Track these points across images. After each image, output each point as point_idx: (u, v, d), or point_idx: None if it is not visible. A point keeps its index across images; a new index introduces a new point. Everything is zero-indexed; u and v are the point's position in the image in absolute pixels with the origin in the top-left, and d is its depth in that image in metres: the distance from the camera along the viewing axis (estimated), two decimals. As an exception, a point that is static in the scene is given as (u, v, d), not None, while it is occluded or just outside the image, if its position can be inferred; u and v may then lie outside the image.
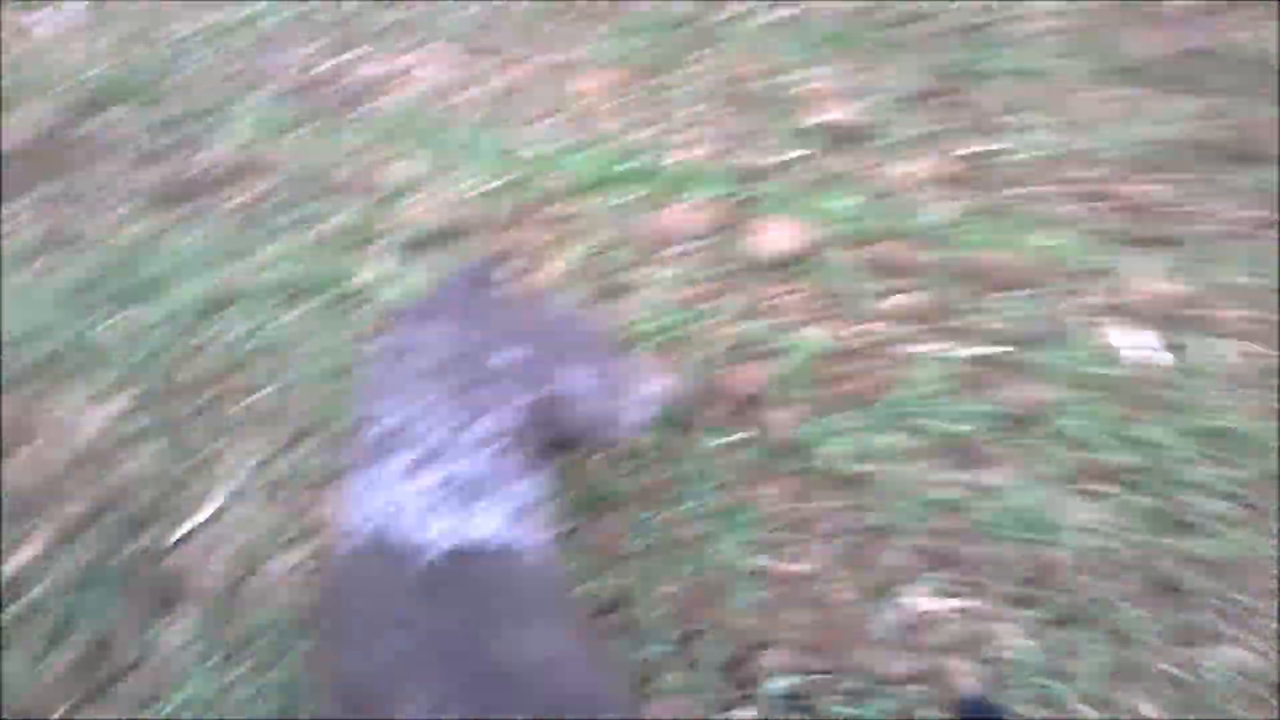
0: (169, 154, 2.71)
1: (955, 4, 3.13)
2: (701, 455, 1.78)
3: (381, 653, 1.05)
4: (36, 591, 1.57)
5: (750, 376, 1.90)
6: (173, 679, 1.47)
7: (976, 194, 2.33)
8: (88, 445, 1.76)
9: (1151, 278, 2.11)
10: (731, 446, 1.82)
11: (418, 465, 1.15)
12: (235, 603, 1.57)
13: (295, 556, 1.64)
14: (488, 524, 1.12)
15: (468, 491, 1.14)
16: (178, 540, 1.64)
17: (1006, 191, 2.34)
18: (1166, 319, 2.05)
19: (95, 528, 1.64)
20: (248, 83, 3.14)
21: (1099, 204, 2.31)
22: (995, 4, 3.07)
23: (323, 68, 3.19)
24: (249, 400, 1.84)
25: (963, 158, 2.41)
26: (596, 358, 1.41)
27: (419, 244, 2.21)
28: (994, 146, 2.44)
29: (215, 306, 2.00)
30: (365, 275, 2.09)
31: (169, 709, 1.43)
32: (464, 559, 1.10)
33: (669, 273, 2.09)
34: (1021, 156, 2.43)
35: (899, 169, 2.36)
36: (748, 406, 1.87)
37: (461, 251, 2.13)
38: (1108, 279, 2.12)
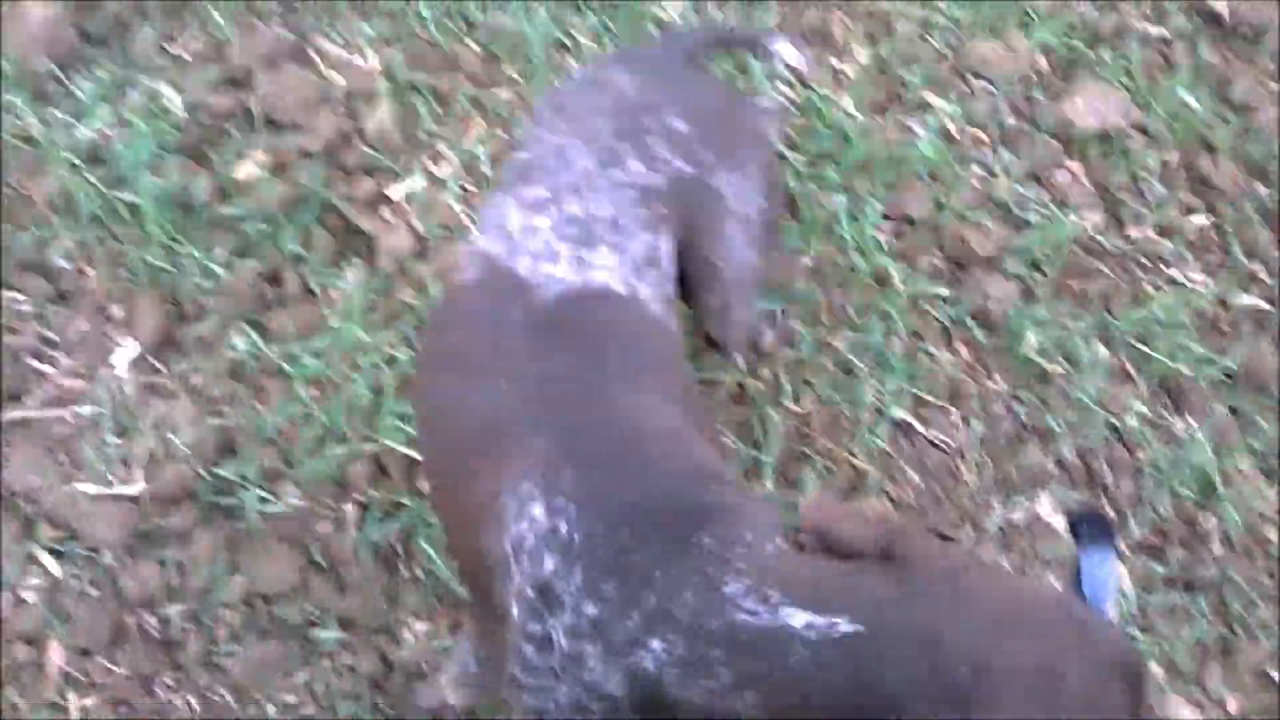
0: None
1: None
2: (899, 295, 2.11)
3: (481, 395, 1.23)
4: (239, 207, 2.16)
5: (991, 236, 2.17)
6: (322, 323, 2.04)
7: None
8: (339, 88, 2.31)
9: None
10: (933, 299, 2.14)
11: (552, 198, 1.34)
12: (406, 277, 2.11)
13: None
14: (608, 268, 1.31)
15: (595, 232, 1.32)
16: (387, 198, 2.18)
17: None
18: None
19: (317, 163, 2.20)
20: None
21: None
22: None
23: None
24: (508, 98, 2.32)
25: None
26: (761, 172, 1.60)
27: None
28: None
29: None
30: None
31: (311, 347, 2.01)
32: (581, 301, 1.28)
33: (956, 107, 2.34)
34: None
35: (1274, 83, 2.44)
36: (976, 266, 2.16)
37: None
38: None
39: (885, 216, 2.21)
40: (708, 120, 1.49)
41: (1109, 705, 0.94)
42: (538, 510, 1.10)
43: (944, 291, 2.15)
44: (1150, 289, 2.19)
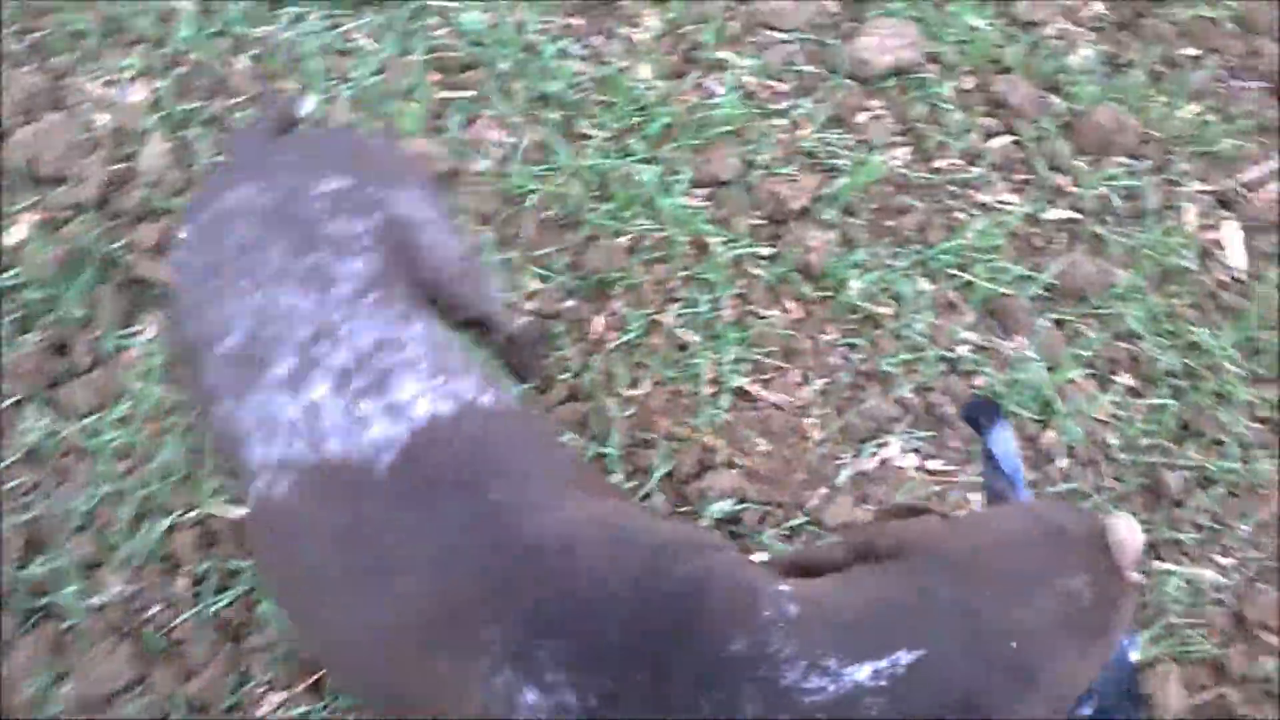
0: None
1: None
2: (720, 261, 2.03)
3: (385, 605, 1.06)
4: (13, 275, 1.94)
5: (802, 187, 2.10)
6: (120, 389, 1.86)
7: (1134, 46, 2.38)
8: (104, 129, 2.10)
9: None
10: (755, 259, 2.06)
11: (303, 363, 1.14)
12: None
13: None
14: (417, 392, 1.14)
15: (376, 367, 1.15)
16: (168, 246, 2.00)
17: (1168, 51, 2.38)
18: (1275, 226, 2.18)
19: (90, 216, 2.01)
20: None
21: (1262, 85, 2.37)
22: None
23: None
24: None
25: (1134, 5, 2.45)
26: (421, 181, 1.47)
27: None
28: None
29: (279, 1, 2.25)
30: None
31: (110, 417, 1.83)
32: (420, 450, 1.11)
33: (752, 61, 2.26)
34: (1196, 12, 2.45)
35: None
36: (792, 219, 2.09)
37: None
38: (1235, 168, 2.23)
39: (696, 183, 2.13)
40: (351, 160, 1.36)
41: (1112, 583, 1.01)
42: (532, 697, 0.98)
43: (764, 251, 2.08)
44: (963, 216, 2.16)
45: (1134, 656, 1.27)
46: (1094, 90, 2.29)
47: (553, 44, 2.22)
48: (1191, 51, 2.39)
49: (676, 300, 2.03)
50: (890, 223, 2.13)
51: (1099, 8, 2.41)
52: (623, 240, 2.06)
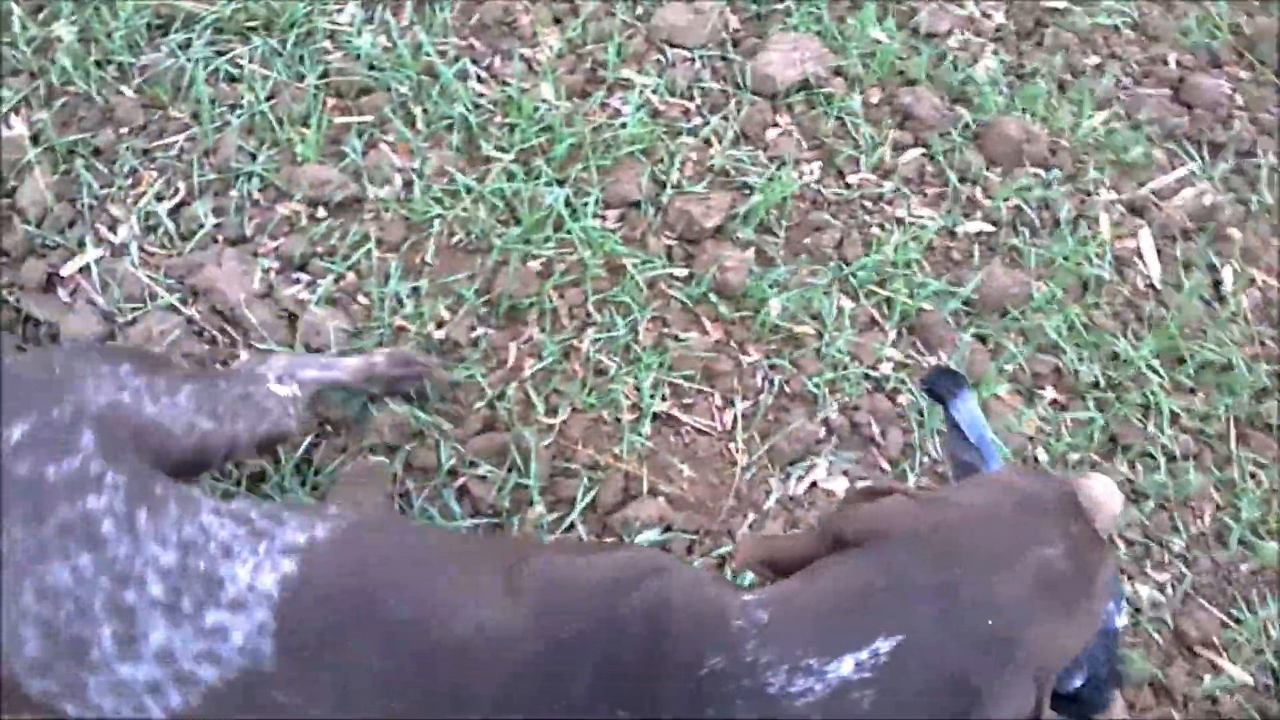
0: None
1: None
2: (635, 283, 1.90)
3: None
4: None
5: (714, 205, 1.99)
6: None
7: (1037, 56, 2.33)
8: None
9: (1191, 186, 2.18)
10: (671, 280, 1.94)
11: (122, 623, 1.00)
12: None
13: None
14: (250, 573, 1.03)
15: (196, 578, 1.02)
16: (61, 278, 1.82)
17: (1071, 60, 2.34)
18: (1188, 234, 2.13)
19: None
20: None
21: (1164, 93, 2.33)
22: None
23: None
24: (180, 143, 1.96)
25: (1034, 14, 2.40)
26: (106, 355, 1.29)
27: None
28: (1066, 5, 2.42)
29: (163, 28, 2.08)
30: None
31: None
32: (290, 612, 1.01)
33: (656, 80, 2.15)
34: (1096, 21, 2.41)
35: (957, 8, 2.36)
36: (707, 239, 1.97)
37: None
38: (1145, 176, 2.18)
39: (606, 204, 2.00)
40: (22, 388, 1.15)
41: (1090, 548, 0.98)
42: None
43: (679, 271, 1.97)
44: (879, 232, 2.08)
45: (1119, 622, 1.21)
46: (1000, 100, 2.23)
47: (451, 66, 2.08)
48: (1093, 60, 2.34)
49: (592, 324, 1.91)
50: (807, 240, 2.04)
51: (999, 18, 2.36)
52: (534, 264, 1.94)
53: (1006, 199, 2.12)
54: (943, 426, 1.23)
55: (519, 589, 1.04)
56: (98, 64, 2.04)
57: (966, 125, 2.19)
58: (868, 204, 2.10)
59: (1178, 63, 2.36)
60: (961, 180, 2.14)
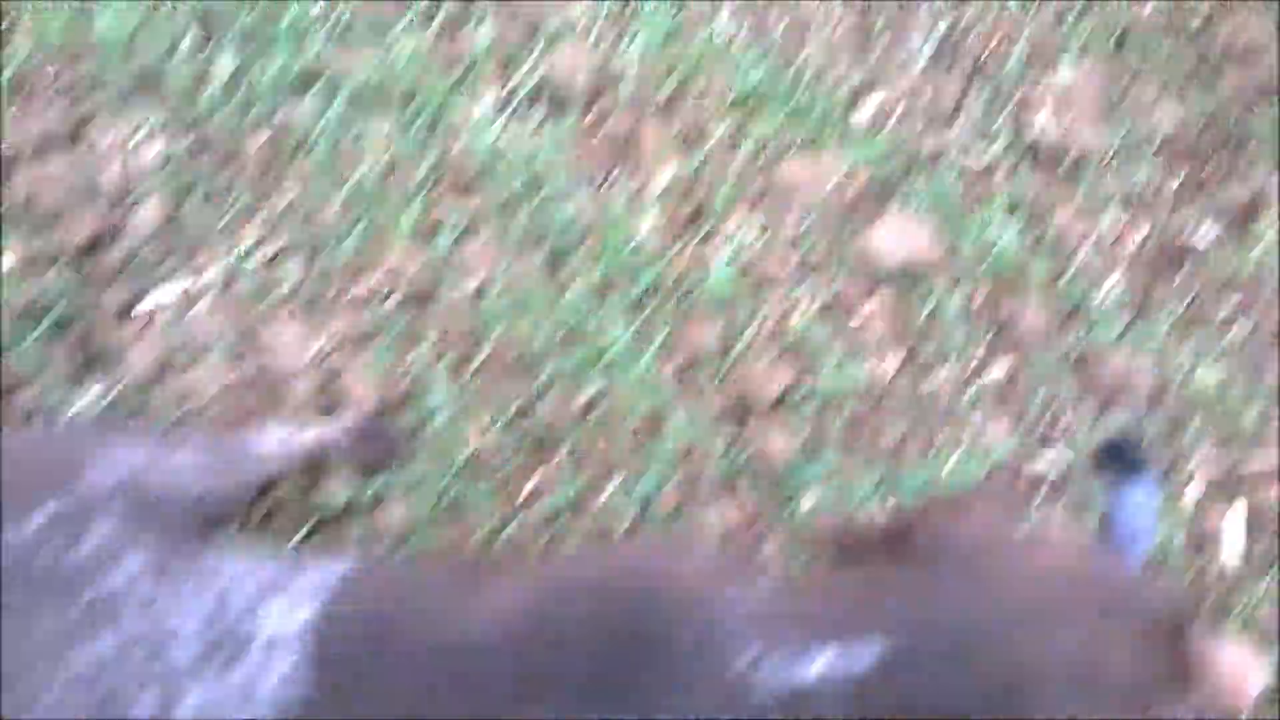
0: None
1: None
2: (674, 441, 1.75)
3: None
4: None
5: (778, 378, 1.83)
6: None
7: (1167, 291, 2.04)
8: (109, 181, 1.90)
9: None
10: (710, 447, 1.78)
11: (163, 688, 0.97)
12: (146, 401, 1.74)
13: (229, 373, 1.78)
14: (279, 620, 1.01)
15: (224, 635, 0.99)
16: (133, 310, 1.79)
17: (1203, 305, 2.04)
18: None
19: (68, 266, 1.82)
20: None
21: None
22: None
23: None
24: (290, 200, 1.92)
25: (1177, 246, 2.10)
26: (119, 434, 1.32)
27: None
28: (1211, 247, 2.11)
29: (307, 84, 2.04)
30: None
31: None
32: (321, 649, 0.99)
33: (758, 232, 1.97)
34: (1240, 269, 2.09)
35: (1092, 221, 2.08)
36: (760, 410, 1.81)
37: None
38: (1249, 451, 1.88)
39: (669, 352, 1.85)
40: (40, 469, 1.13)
41: (1155, 672, 0.84)
42: None
43: (722, 441, 1.79)
44: (942, 443, 1.84)
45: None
46: (1115, 329, 1.95)
47: (558, 177, 1.96)
48: (1227, 309, 2.02)
49: (617, 474, 1.75)
50: (864, 435, 1.83)
51: (1133, 243, 2.06)
52: (581, 397, 1.80)
53: (1091, 440, 1.85)
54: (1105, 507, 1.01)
55: (521, 598, 1.00)
56: (241, 106, 2.02)
57: (1070, 347, 1.93)
58: (939, 411, 1.87)
59: (1326, 329, 2.03)
60: (1046, 407, 1.88)
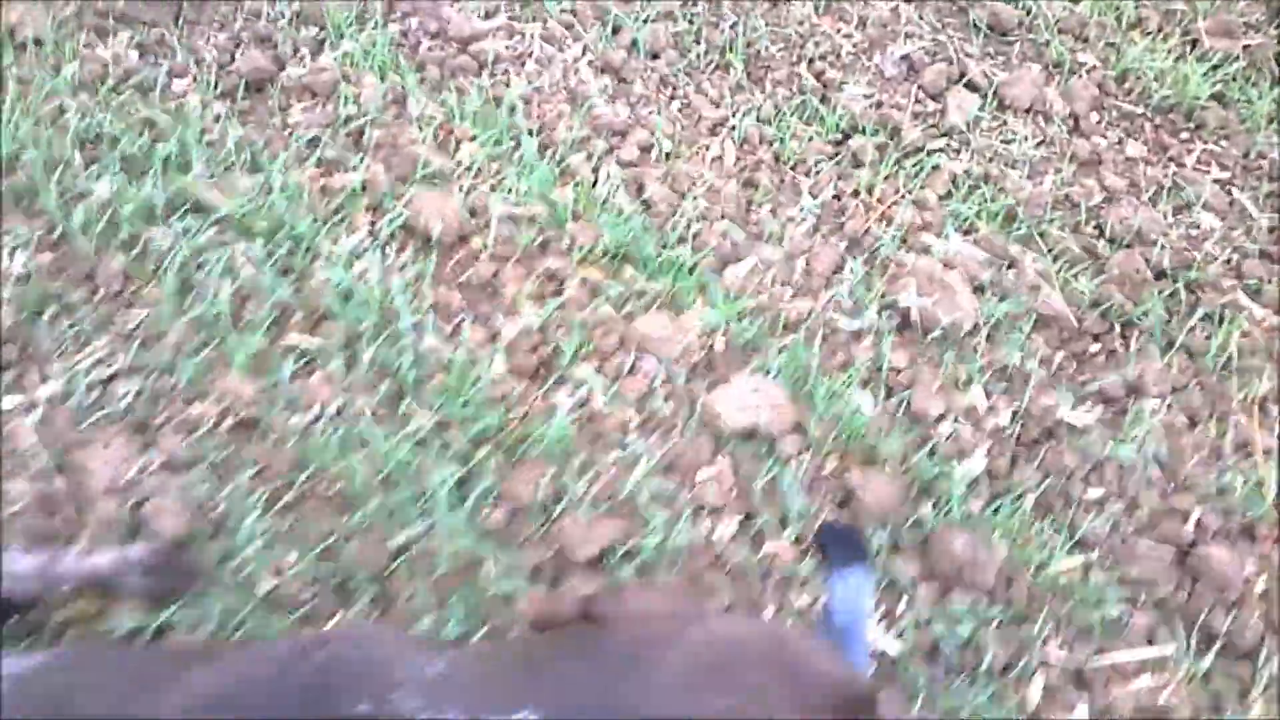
0: None
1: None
2: (485, 591, 1.75)
3: None
4: None
5: (599, 534, 1.83)
6: None
7: (1032, 471, 2.06)
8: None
9: (1157, 673, 1.83)
10: (527, 600, 1.78)
11: None
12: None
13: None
14: None
15: None
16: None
17: (1070, 487, 2.06)
18: None
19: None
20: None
21: (1167, 552, 1.99)
22: None
23: None
24: (140, 321, 2.00)
25: (1046, 423, 2.14)
26: None
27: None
28: (1089, 426, 2.14)
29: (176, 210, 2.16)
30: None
31: None
32: None
33: (608, 383, 2.03)
34: (1114, 452, 2.11)
35: (959, 394, 2.12)
36: (577, 567, 1.81)
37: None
38: (1107, 643, 1.85)
39: (495, 499, 1.87)
40: None
41: None
42: None
43: (538, 591, 1.79)
44: (772, 610, 1.82)
45: None
46: (970, 510, 1.95)
47: (414, 315, 2.04)
48: (1096, 493, 2.03)
49: (420, 622, 1.75)
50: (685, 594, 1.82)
51: (1003, 418, 2.09)
52: (397, 540, 1.81)
53: (928, 623, 1.83)
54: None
55: (208, 679, 1.03)
56: (107, 226, 2.12)
57: (918, 524, 1.93)
58: (773, 578, 1.86)
59: (1198, 524, 2.01)
60: (889, 586, 1.87)
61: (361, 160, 2.26)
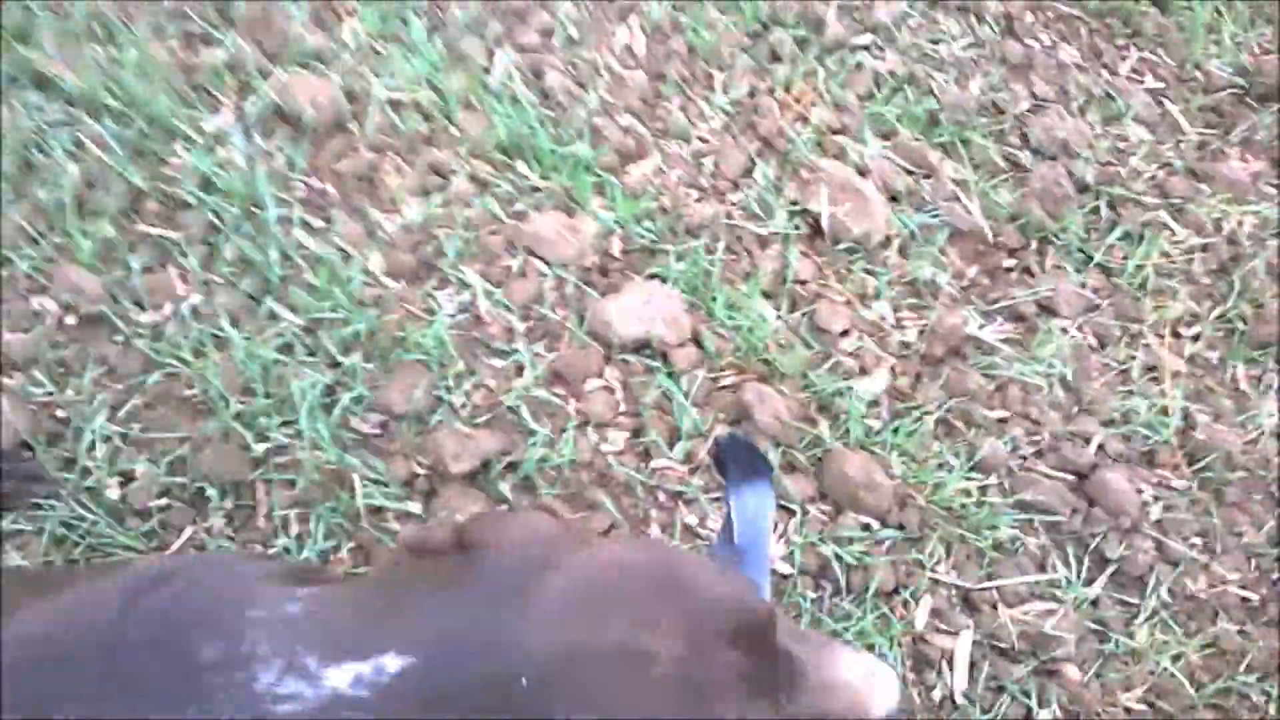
0: None
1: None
2: (353, 505, 1.73)
3: None
4: None
5: (480, 446, 1.81)
6: None
7: (935, 390, 2.07)
8: None
9: (1047, 601, 1.88)
10: (398, 514, 1.76)
11: None
12: None
13: None
14: None
15: None
16: None
17: (972, 408, 2.08)
18: (1015, 655, 1.84)
19: None
20: None
21: (1066, 478, 2.03)
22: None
23: None
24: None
25: (953, 343, 2.15)
26: None
27: None
28: (997, 345, 2.15)
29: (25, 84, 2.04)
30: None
31: None
32: None
33: (494, 287, 1.98)
34: (1021, 373, 2.13)
35: (865, 309, 2.12)
36: (455, 481, 1.80)
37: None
38: (997, 570, 1.89)
39: (368, 407, 1.83)
40: None
41: (720, 668, 0.82)
42: None
43: (413, 507, 1.77)
44: (658, 529, 1.83)
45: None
46: (869, 428, 1.97)
47: (280, 207, 1.97)
48: (998, 413, 2.05)
49: (284, 534, 1.73)
50: (568, 514, 1.81)
51: (910, 334, 2.09)
52: (258, 449, 1.77)
53: (814, 544, 1.85)
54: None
55: (57, 602, 0.99)
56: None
57: (814, 444, 1.94)
58: (659, 496, 1.87)
59: (1100, 447, 2.05)
60: (779, 507, 1.89)
61: (229, 34, 2.15)
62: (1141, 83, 2.60)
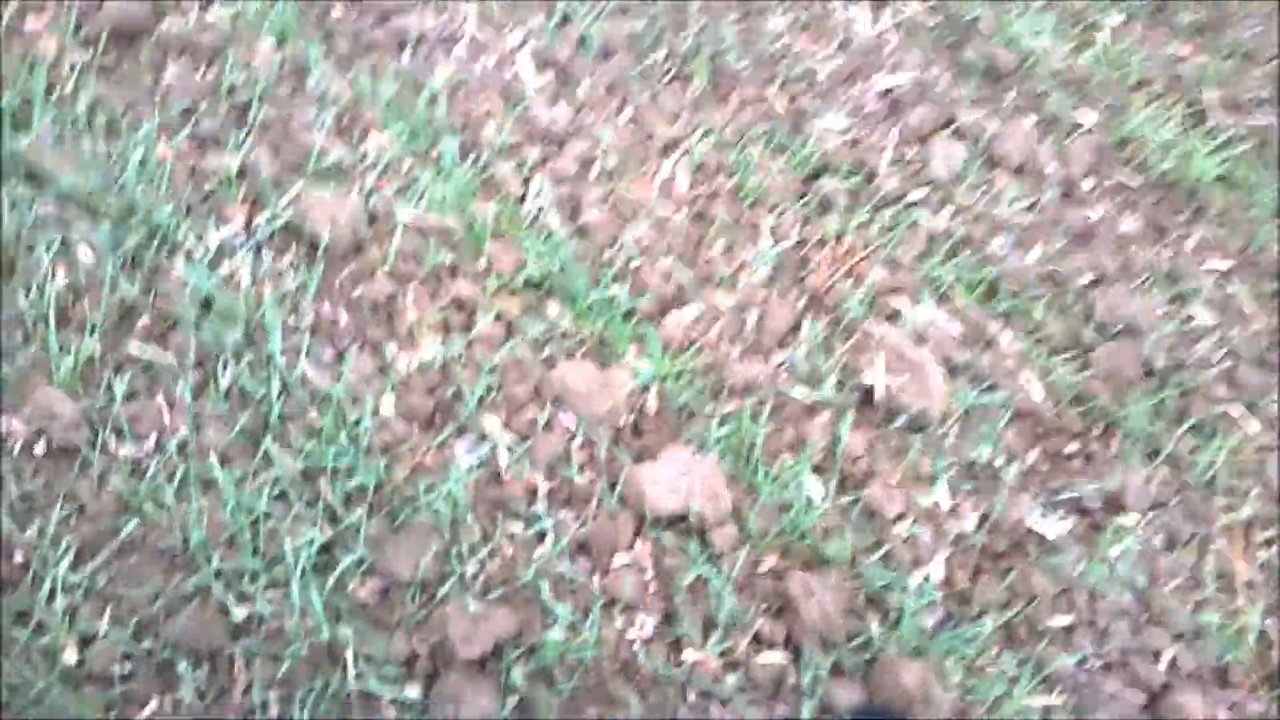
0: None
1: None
2: (341, 690, 1.58)
3: None
4: None
5: (492, 627, 1.67)
6: None
7: (995, 591, 1.97)
8: None
9: None
10: (393, 704, 1.61)
11: None
12: None
13: None
14: None
15: None
16: None
17: (1038, 613, 1.97)
18: None
19: None
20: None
21: (1137, 698, 1.92)
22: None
23: None
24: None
25: (1013, 536, 2.05)
26: None
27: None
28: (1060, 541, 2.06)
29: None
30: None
31: None
32: None
33: (517, 442, 1.88)
34: (1083, 574, 2.04)
35: (920, 495, 2.03)
36: (460, 666, 1.66)
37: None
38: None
39: (367, 572, 1.70)
40: None
41: None
42: None
43: (411, 694, 1.63)
44: (688, 735, 1.70)
45: None
46: (922, 631, 1.85)
47: (286, 336, 1.86)
48: (1064, 620, 1.95)
49: (265, 716, 1.57)
50: (595, 710, 1.67)
51: (969, 524, 1.99)
52: (236, 614, 1.63)
53: (866, 764, 1.72)
54: None
55: None
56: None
57: (860, 648, 1.82)
58: (692, 693, 1.73)
59: (1172, 664, 1.95)
60: (824, 711, 1.76)
61: (244, 140, 2.07)
62: (1206, 261, 2.57)
